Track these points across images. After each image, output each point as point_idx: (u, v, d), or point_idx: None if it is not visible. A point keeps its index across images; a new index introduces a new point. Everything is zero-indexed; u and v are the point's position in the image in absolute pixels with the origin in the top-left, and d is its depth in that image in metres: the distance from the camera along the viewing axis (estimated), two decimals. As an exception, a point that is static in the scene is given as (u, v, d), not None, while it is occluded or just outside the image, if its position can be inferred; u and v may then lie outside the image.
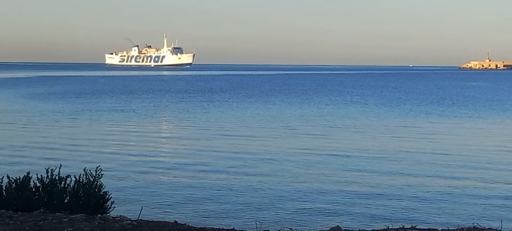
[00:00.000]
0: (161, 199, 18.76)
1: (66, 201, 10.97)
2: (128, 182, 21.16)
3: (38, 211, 10.60)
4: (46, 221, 9.68)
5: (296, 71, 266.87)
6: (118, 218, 10.22)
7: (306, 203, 18.30)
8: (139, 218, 10.31)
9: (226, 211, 17.34)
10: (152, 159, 26.70)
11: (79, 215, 10.24)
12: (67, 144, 31.10)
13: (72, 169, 13.96)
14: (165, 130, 40.43)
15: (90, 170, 11.18)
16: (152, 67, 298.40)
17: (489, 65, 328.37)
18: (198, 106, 58.96)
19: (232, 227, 12.54)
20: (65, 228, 9.26)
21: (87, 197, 10.94)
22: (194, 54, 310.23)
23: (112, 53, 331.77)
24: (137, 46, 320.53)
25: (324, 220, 16.29)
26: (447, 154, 28.21)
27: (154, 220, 10.43)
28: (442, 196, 19.35)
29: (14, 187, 10.96)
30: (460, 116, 49.77)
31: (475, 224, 10.89)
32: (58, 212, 10.50)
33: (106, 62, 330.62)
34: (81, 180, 11.05)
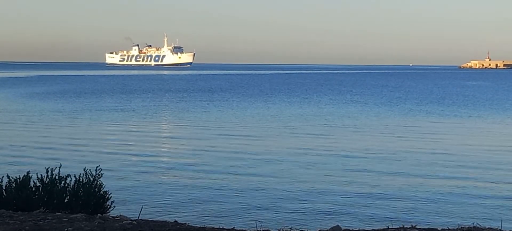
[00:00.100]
0: (161, 198, 18.76)
1: (66, 200, 10.98)
2: (128, 182, 21.16)
3: (38, 210, 10.60)
4: (46, 221, 9.69)
5: (296, 71, 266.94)
6: (118, 218, 10.22)
7: (306, 202, 18.29)
8: (139, 218, 10.32)
9: (226, 210, 17.34)
10: (152, 158, 26.69)
11: (79, 214, 10.24)
12: (67, 143, 31.10)
13: (72, 168, 13.96)
14: (165, 129, 40.43)
15: (90, 170, 11.18)
16: (153, 66, 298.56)
17: (489, 65, 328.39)
18: (198, 105, 58.97)
19: (232, 227, 12.53)
20: (65, 228, 9.26)
21: (87, 196, 10.94)
22: (194, 54, 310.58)
23: (112, 53, 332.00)
24: (138, 45, 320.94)
25: (324, 220, 16.29)
26: (447, 154, 28.21)
27: (154, 220, 10.43)
28: (442, 195, 19.35)
29: (14, 187, 10.96)
30: (460, 115, 49.77)
31: (475, 224, 10.90)
32: (58, 212, 10.51)
33: (107, 61, 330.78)
34: (81, 180, 11.06)
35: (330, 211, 17.31)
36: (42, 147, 29.52)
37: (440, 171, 23.73)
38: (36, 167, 17.32)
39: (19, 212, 10.42)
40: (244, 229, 11.30)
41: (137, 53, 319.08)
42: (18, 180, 11.00)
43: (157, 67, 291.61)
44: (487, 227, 10.53)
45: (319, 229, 11.42)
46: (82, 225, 9.48)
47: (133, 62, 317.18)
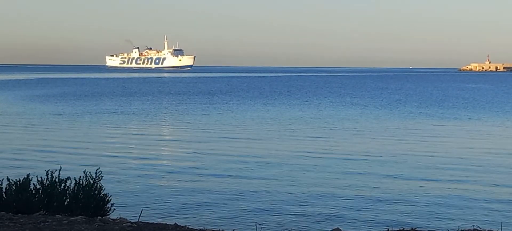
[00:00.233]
0: (161, 201, 18.75)
1: (66, 203, 10.98)
2: (128, 184, 21.15)
3: (38, 213, 10.60)
4: (46, 223, 9.69)
5: (295, 73, 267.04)
6: (118, 220, 10.23)
7: (306, 205, 18.28)
8: (139, 220, 10.32)
9: (226, 213, 17.33)
10: (151, 161, 26.69)
11: (79, 217, 10.25)
12: (67, 146, 31.09)
13: (72, 171, 13.96)
14: (165, 132, 40.43)
15: (90, 172, 11.19)
16: (153, 69, 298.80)
17: (489, 67, 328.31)
18: (198, 108, 58.98)
19: (232, 229, 12.53)
20: (65, 230, 9.26)
21: (87, 199, 10.95)
22: (194, 56, 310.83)
23: (112, 55, 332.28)
24: (138, 48, 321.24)
25: (324, 222, 16.28)
26: (447, 156, 28.21)
27: (154, 223, 10.44)
28: (442, 198, 19.34)
29: (14, 189, 10.96)
30: (460, 118, 49.77)
31: (475, 227, 10.90)
32: (58, 214, 10.51)
33: (107, 64, 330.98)
34: (81, 182, 11.06)
35: (330, 214, 17.30)
36: (42, 150, 29.52)
37: (440, 173, 23.72)
38: (36, 169, 17.32)
39: (19, 214, 10.42)
40: (244, 231, 11.29)
41: (138, 56, 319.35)
42: (18, 182, 11.01)
43: (157, 70, 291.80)
44: (487, 230, 10.54)
45: (319, 232, 11.43)
46: (82, 228, 9.48)
47: (134, 65, 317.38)
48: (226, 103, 66.62)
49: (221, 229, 10.59)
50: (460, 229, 11.05)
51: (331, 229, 10.33)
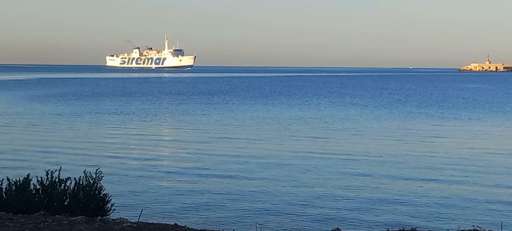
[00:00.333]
0: (161, 201, 18.75)
1: (66, 203, 10.98)
2: (128, 185, 21.16)
3: (38, 213, 10.60)
4: (46, 223, 9.69)
5: (295, 74, 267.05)
6: (118, 220, 10.23)
7: (306, 206, 18.28)
8: (139, 221, 10.32)
9: (226, 214, 17.33)
10: (152, 161, 26.69)
11: (79, 217, 10.25)
12: (67, 146, 31.10)
13: (72, 171, 13.96)
14: (165, 132, 40.44)
15: (90, 172, 11.19)
16: (153, 69, 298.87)
17: (489, 67, 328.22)
18: (198, 108, 58.98)
19: (232, 229, 12.54)
20: (65, 230, 9.27)
21: (87, 199, 10.95)
22: (195, 56, 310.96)
23: (113, 55, 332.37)
24: (138, 48, 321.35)
25: (324, 223, 16.29)
26: (447, 157, 28.21)
27: (154, 223, 10.44)
28: (442, 199, 19.34)
29: (14, 189, 10.96)
30: (460, 118, 49.77)
31: (475, 227, 10.91)
32: (58, 214, 10.51)
33: (107, 64, 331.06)
34: (81, 182, 11.06)
35: (330, 214, 17.31)
36: (42, 150, 29.52)
37: (440, 174, 23.73)
38: (36, 169, 17.33)
39: (19, 214, 10.42)
40: (244, 232, 11.30)
41: (138, 56, 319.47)
42: (18, 182, 11.01)
43: (157, 70, 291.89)
44: (487, 230, 10.55)
45: (319, 232, 11.43)
46: (82, 228, 9.49)
47: (134, 65, 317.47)
48: (226, 103, 66.63)
49: (221, 229, 10.59)
50: (460, 229, 11.05)
51: (331, 229, 10.34)
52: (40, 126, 41.38)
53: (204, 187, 20.90)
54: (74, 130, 39.24)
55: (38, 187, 11.03)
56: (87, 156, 27.70)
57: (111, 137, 35.64)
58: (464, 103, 70.06)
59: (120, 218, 10.58)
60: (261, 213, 17.31)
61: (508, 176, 23.60)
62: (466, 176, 23.28)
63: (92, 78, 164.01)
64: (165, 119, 48.22)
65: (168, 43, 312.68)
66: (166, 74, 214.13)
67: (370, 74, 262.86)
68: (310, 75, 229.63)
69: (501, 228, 13.90)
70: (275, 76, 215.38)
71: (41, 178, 11.04)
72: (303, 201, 18.85)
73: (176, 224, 10.23)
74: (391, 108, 61.19)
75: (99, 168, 11.48)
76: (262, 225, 15.34)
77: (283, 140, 34.47)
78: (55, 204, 10.90)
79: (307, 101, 72.00)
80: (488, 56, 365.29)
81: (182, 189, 20.60)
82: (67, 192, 11.05)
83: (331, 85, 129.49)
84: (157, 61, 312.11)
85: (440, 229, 15.50)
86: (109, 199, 11.27)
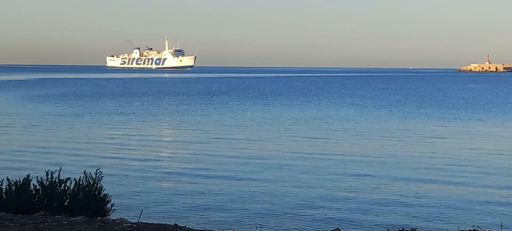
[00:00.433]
0: (161, 202, 18.76)
1: (66, 203, 10.99)
2: (128, 185, 21.17)
3: (38, 213, 10.61)
4: (46, 224, 9.70)
5: (296, 74, 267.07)
6: (118, 221, 10.24)
7: (306, 207, 18.29)
8: (139, 221, 10.33)
9: (226, 214, 17.33)
10: (152, 162, 26.70)
11: (79, 217, 10.25)
12: (67, 146, 31.11)
13: (72, 171, 13.98)
14: (165, 133, 40.44)
15: (90, 173, 11.19)
16: (154, 69, 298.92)
17: (489, 68, 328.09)
18: (198, 108, 58.99)
19: (232, 229, 12.54)
20: (65, 231, 9.27)
21: (87, 199, 10.95)
22: (195, 57, 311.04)
23: (113, 56, 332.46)
24: (138, 48, 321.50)
25: (324, 222, 16.29)
26: (447, 157, 28.22)
27: (154, 223, 10.45)
28: (442, 199, 19.34)
29: (14, 190, 10.97)
30: (460, 119, 49.77)
31: (475, 227, 10.91)
32: (58, 215, 10.52)
33: (107, 64, 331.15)
34: (81, 183, 11.07)
35: (330, 215, 17.32)
36: (42, 150, 29.53)
37: (440, 174, 23.73)
38: (36, 170, 17.34)
39: (19, 215, 10.43)
40: (244, 232, 11.30)
41: (138, 56, 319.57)
42: (18, 183, 11.02)
43: (158, 70, 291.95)
44: (487, 230, 10.55)
45: (318, 232, 11.43)
46: (82, 228, 9.49)
47: (134, 65, 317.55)
48: (226, 103, 66.63)
49: (221, 229, 10.60)
50: (460, 230, 11.06)
51: (331, 230, 10.34)
52: (40, 126, 41.38)
53: (204, 187, 20.91)
54: (74, 130, 39.24)
55: (38, 187, 11.03)
56: (87, 156, 27.71)
57: (111, 137, 35.64)
58: (464, 103, 70.06)
59: (120, 218, 10.58)
60: (261, 214, 17.31)
61: (508, 176, 23.60)
62: (466, 177, 23.29)
63: (92, 78, 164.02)
64: (165, 119, 48.23)
65: (168, 43, 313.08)
66: (166, 75, 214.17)
67: (370, 75, 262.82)
68: (310, 76, 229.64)
69: (501, 228, 13.91)
70: (275, 76, 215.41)
71: (41, 178, 11.05)
72: (303, 201, 18.85)
73: (176, 224, 10.24)
74: (391, 108, 61.19)
75: (99, 168, 11.49)
76: (262, 225, 15.34)
77: (283, 140, 34.48)
78: (55, 204, 10.90)
79: (307, 101, 72.00)
80: (488, 56, 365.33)
81: (182, 189, 20.60)
82: (67, 192, 11.06)
83: (331, 85, 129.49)
84: (158, 61, 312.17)
85: (440, 229, 15.51)
86: (109, 200, 11.28)
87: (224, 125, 42.92)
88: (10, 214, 10.46)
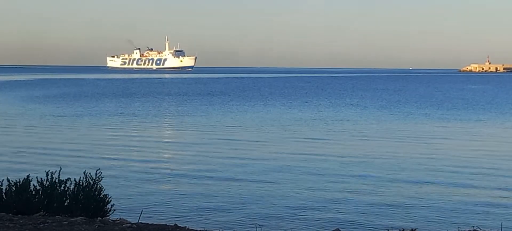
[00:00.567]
0: (161, 202, 18.77)
1: (66, 204, 11.00)
2: (128, 185, 21.17)
3: (38, 214, 10.62)
4: (46, 224, 9.71)
5: (296, 74, 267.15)
6: (118, 221, 10.25)
7: (306, 208, 18.29)
8: (139, 221, 10.34)
9: (226, 215, 17.34)
10: (152, 162, 26.71)
11: (79, 218, 10.27)
12: (67, 147, 31.11)
13: (72, 172, 13.98)
14: (165, 133, 40.46)
15: (90, 173, 11.20)
16: (154, 70, 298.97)
17: (489, 68, 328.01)
18: (198, 109, 59.00)
19: (233, 230, 12.55)
20: (65, 231, 9.28)
21: (87, 200, 10.97)
22: (196, 57, 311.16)
23: (113, 56, 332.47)
24: (139, 49, 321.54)
25: (324, 223, 16.30)
26: (446, 158, 28.22)
27: (154, 223, 10.47)
28: (442, 200, 19.35)
29: (14, 190, 10.98)
30: (460, 119, 49.78)
31: (475, 228, 10.92)
32: (58, 215, 10.53)
33: (108, 65, 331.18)
34: (81, 183, 11.08)
35: (330, 217, 17.32)
36: (42, 151, 29.54)
37: (440, 175, 23.73)
38: (36, 170, 17.33)
39: (19, 215, 10.44)
40: (243, 232, 11.31)
41: (139, 57, 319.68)
42: (18, 183, 11.03)
43: (158, 70, 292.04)
44: (487, 230, 10.56)
45: (318, 233, 11.44)
46: (82, 229, 9.51)
47: (135, 66, 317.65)
48: (226, 104, 66.64)
49: (221, 230, 10.61)
50: (460, 230, 11.07)
51: (332, 230, 10.36)
52: (40, 126, 41.40)
53: (204, 188, 20.91)
54: (74, 130, 39.25)
55: (38, 188, 11.04)
56: (87, 157, 27.72)
57: (111, 138, 35.65)
58: (464, 104, 70.06)
59: (120, 219, 10.60)
60: (261, 214, 17.32)
61: (508, 177, 23.60)
62: (466, 177, 23.29)
63: (92, 79, 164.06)
64: (165, 120, 48.25)
65: (169, 44, 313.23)
66: (167, 75, 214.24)
67: (370, 75, 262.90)
68: (310, 76, 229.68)
69: (501, 229, 13.92)
70: (275, 77, 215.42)
71: (41, 179, 11.06)
72: (303, 202, 18.86)
73: (176, 224, 10.26)
74: (391, 109, 61.20)
75: (99, 169, 11.50)
76: (262, 225, 15.35)
77: (283, 141, 34.49)
78: (55, 204, 10.91)
79: (307, 102, 72.02)
80: (488, 57, 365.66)
81: (182, 190, 20.61)
82: (67, 193, 11.07)
83: (331, 86, 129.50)
84: (158, 62, 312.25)
85: (440, 229, 15.53)
86: (109, 200, 11.29)
87: (224, 126, 42.94)
88: (10, 214, 10.47)
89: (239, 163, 26.23)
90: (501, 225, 14.97)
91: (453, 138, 37.03)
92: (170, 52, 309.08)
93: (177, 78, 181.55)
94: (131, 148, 31.19)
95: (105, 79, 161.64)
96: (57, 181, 11.04)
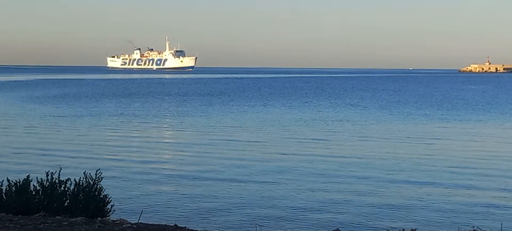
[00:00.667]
0: (161, 202, 18.77)
1: (66, 204, 11.00)
2: (128, 186, 21.18)
3: (38, 214, 10.62)
4: (46, 224, 9.71)
5: (296, 75, 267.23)
6: (118, 222, 10.26)
7: (306, 208, 18.30)
8: (139, 222, 10.34)
9: (225, 216, 17.34)
10: (152, 163, 26.71)
11: (79, 218, 10.27)
12: (67, 147, 31.12)
13: (72, 172, 13.99)
14: (165, 134, 40.46)
15: (89, 173, 11.21)
16: (154, 70, 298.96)
17: (489, 68, 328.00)
18: (197, 109, 59.01)
19: (233, 230, 12.55)
20: (65, 232, 9.28)
21: (87, 200, 10.97)
22: (196, 57, 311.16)
23: (114, 57, 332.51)
24: (139, 49, 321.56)
25: (325, 223, 16.30)
26: (446, 159, 28.22)
27: (154, 224, 10.47)
28: (442, 201, 19.35)
29: (14, 190, 10.98)
30: (460, 119, 49.78)
31: (475, 228, 10.92)
32: (58, 215, 10.53)
33: (108, 65, 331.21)
34: (81, 183, 11.09)
35: (330, 218, 17.32)
36: (42, 151, 29.54)
37: (440, 176, 23.73)
38: (36, 170, 17.35)
39: (19, 215, 10.44)
40: (243, 233, 11.31)
41: (139, 57, 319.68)
42: (18, 183, 11.03)
43: (159, 71, 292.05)
44: (487, 230, 10.56)
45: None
46: (82, 229, 9.51)
47: (135, 66, 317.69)
48: (227, 104, 66.64)
49: (221, 230, 10.61)
50: (460, 230, 11.07)
51: (332, 230, 10.37)
52: (40, 127, 41.40)
53: (203, 189, 20.92)
54: (74, 131, 39.25)
55: (38, 188, 11.05)
56: (87, 157, 27.72)
57: (111, 139, 35.66)
58: (464, 104, 70.06)
59: (120, 219, 10.60)
60: (261, 215, 17.32)
61: (508, 178, 23.60)
62: (466, 178, 23.29)
63: (92, 79, 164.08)
64: (165, 120, 48.25)
65: (169, 44, 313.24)
66: (167, 76, 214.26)
67: (370, 75, 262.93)
68: (310, 77, 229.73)
69: (501, 230, 13.93)
70: (275, 77, 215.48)
71: (41, 179, 11.06)
72: (303, 202, 18.86)
73: (176, 225, 10.26)
74: (391, 109, 61.20)
75: (99, 169, 11.50)
76: (262, 226, 15.35)
77: (283, 141, 34.49)
78: (55, 205, 10.92)
79: (306, 102, 72.02)
80: (488, 57, 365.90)
81: (182, 191, 20.61)
82: (67, 193, 11.08)
83: (331, 86, 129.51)
84: (158, 62, 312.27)
85: (440, 229, 15.53)
86: (109, 200, 11.29)
87: (224, 126, 42.94)
88: (10, 215, 10.47)
89: (239, 163, 26.23)
90: (501, 225, 14.97)
91: (453, 138, 37.04)
92: (171, 53, 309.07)
93: (177, 78, 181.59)
94: (131, 148, 31.20)
95: (105, 79, 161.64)
96: (57, 181, 11.05)
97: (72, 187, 11.11)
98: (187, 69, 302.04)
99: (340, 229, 12.00)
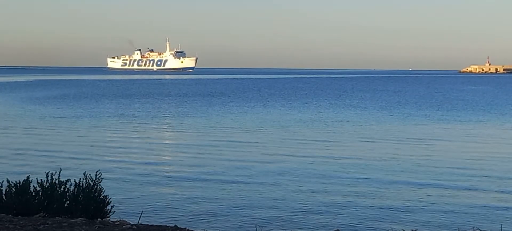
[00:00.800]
0: (161, 203, 18.77)
1: (66, 205, 10.99)
2: (128, 187, 21.18)
3: (38, 215, 10.62)
4: (46, 225, 9.71)
5: (296, 75, 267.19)
6: (118, 222, 10.25)
7: (306, 209, 18.30)
8: (139, 222, 10.34)
9: (225, 217, 17.34)
10: (151, 164, 26.71)
11: (79, 219, 10.26)
12: (67, 148, 31.11)
13: (72, 173, 13.98)
14: (165, 135, 40.45)
15: (90, 174, 11.20)
16: (155, 71, 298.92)
17: (489, 69, 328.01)
18: (198, 110, 59.00)
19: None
20: (65, 233, 9.27)
21: (87, 201, 10.96)
22: (196, 58, 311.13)
23: (114, 57, 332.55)
24: (140, 50, 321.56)
25: (324, 226, 16.30)
26: (446, 159, 28.22)
27: (154, 224, 10.46)
28: (442, 201, 19.35)
29: (14, 191, 10.98)
30: (460, 120, 49.78)
31: (475, 229, 10.92)
32: (58, 216, 10.53)
33: (108, 66, 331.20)
34: (81, 184, 11.08)
35: (330, 219, 17.32)
36: (42, 152, 29.54)
37: (440, 177, 23.73)
38: (36, 171, 17.35)
39: (19, 216, 10.44)
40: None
41: (139, 58, 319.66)
42: (18, 184, 11.03)
43: (159, 71, 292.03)
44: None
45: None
46: (82, 230, 9.51)
47: (135, 66, 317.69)
48: (227, 105, 66.64)
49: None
50: (460, 230, 11.07)
51: (330, 231, 10.37)
52: (40, 128, 41.40)
53: (203, 190, 20.91)
54: (74, 132, 39.25)
55: (38, 189, 11.04)
56: (87, 158, 27.72)
57: (112, 139, 35.65)
58: (464, 105, 70.06)
59: (120, 220, 10.59)
60: (261, 217, 17.31)
61: (508, 179, 23.60)
62: (466, 179, 23.29)
63: (93, 80, 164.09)
64: (165, 121, 48.24)
65: (169, 45, 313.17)
66: (167, 76, 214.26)
67: (369, 76, 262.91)
68: (310, 77, 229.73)
69: (501, 228, 13.93)
70: (275, 78, 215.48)
71: (41, 180, 11.05)
72: (303, 204, 18.86)
73: (176, 226, 10.25)
74: (391, 110, 61.20)
75: (99, 170, 11.50)
76: (262, 227, 15.35)
77: (283, 142, 34.49)
78: (55, 206, 10.91)
79: (306, 103, 72.02)
80: (488, 58, 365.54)
81: (182, 192, 20.61)
82: (67, 194, 11.06)
83: (331, 87, 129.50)
84: (159, 63, 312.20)
85: (441, 229, 15.54)
86: (109, 201, 11.29)
87: (224, 127, 42.94)
88: (10, 215, 10.46)
89: (239, 164, 26.23)
90: (501, 226, 14.97)
91: (453, 139, 37.03)
92: (171, 53, 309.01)
93: (177, 79, 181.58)
94: (131, 149, 31.20)
95: (106, 80, 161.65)
96: (57, 182, 11.04)
97: (72, 188, 11.10)
98: (188, 70, 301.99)
99: (340, 230, 12.00)
